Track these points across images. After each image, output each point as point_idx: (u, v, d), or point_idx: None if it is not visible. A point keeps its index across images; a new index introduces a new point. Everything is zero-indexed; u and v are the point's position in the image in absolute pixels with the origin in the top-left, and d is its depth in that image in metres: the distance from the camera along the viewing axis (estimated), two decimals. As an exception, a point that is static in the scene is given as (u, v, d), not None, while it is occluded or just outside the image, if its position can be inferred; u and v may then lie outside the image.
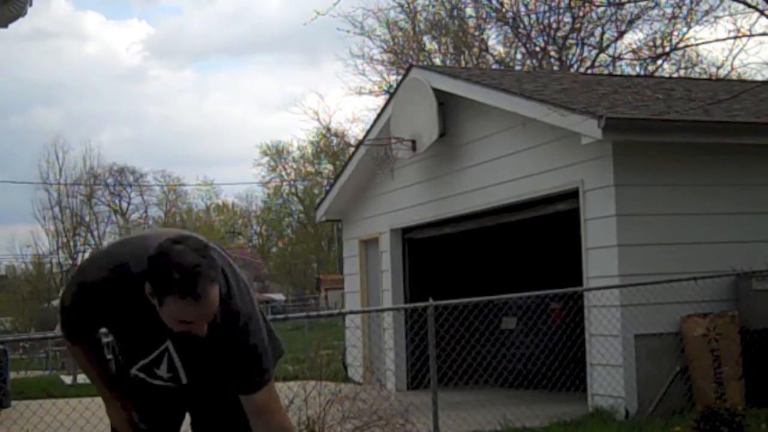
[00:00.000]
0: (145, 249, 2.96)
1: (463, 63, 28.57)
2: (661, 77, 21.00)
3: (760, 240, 9.47)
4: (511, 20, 27.91)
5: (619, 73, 23.92)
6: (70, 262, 47.65)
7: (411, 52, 29.63)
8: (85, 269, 3.18)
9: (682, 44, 25.63)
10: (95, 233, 52.50)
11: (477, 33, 29.65)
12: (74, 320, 3.20)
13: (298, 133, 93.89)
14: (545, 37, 27.97)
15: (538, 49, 28.11)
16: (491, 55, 29.94)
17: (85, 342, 3.30)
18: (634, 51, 26.84)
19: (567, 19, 27.33)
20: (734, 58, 40.23)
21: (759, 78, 23.18)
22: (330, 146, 46.53)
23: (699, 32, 28.14)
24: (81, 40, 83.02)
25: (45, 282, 51.64)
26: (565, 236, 10.71)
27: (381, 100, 28.68)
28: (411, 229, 13.23)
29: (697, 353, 8.95)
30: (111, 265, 3.05)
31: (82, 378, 16.69)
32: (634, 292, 9.01)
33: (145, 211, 55.48)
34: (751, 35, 17.85)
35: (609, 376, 9.17)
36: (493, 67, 28.10)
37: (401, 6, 28.70)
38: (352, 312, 13.31)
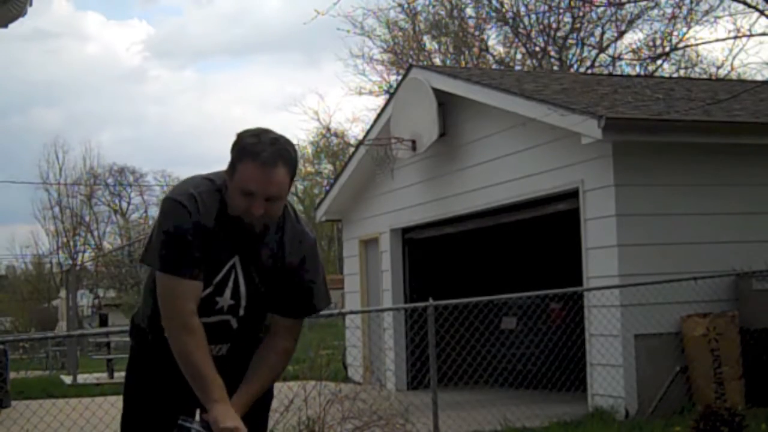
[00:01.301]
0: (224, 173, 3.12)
1: (463, 63, 28.57)
2: (661, 77, 21.01)
3: (760, 240, 9.47)
4: (511, 20, 27.92)
5: (619, 73, 23.91)
6: (70, 262, 47.59)
7: (411, 52, 29.63)
8: (176, 193, 3.11)
9: (682, 44, 25.66)
10: (95, 233, 52.50)
11: (477, 33, 29.66)
12: (187, 241, 3.03)
13: (298, 133, 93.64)
14: (545, 37, 27.97)
15: (538, 49, 28.11)
16: (491, 55, 29.95)
17: (199, 273, 3.08)
18: (634, 51, 26.86)
19: (567, 19, 27.34)
20: (734, 58, 40.33)
21: (759, 78, 23.18)
22: (330, 146, 46.52)
23: (699, 32, 28.16)
24: (81, 40, 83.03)
25: (45, 282, 51.65)
26: (565, 236, 10.71)
27: (381, 100, 28.69)
28: (411, 229, 13.23)
29: (697, 353, 8.95)
30: (197, 182, 3.13)
31: (82, 378, 16.70)
32: (634, 292, 9.01)
33: (145, 211, 55.41)
34: (751, 35, 17.87)
35: (609, 376, 9.17)
36: (493, 67, 28.11)
37: (401, 6, 28.70)
38: (352, 312, 13.30)
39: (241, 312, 3.21)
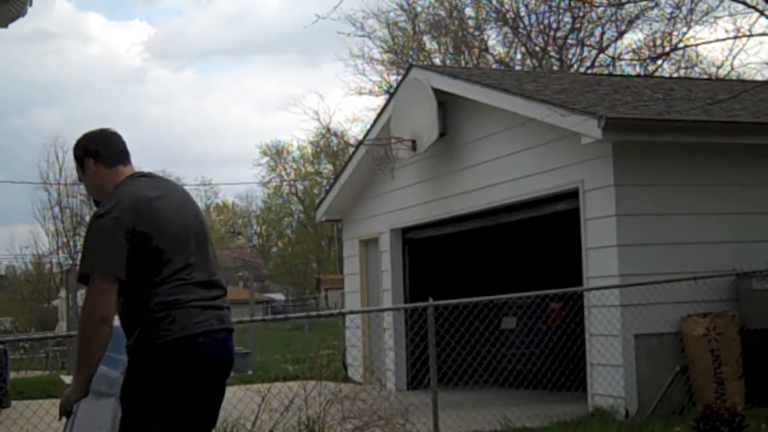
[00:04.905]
0: None
1: (463, 63, 28.56)
2: (661, 77, 21.01)
3: (760, 240, 9.47)
4: (511, 20, 27.92)
5: (619, 73, 23.91)
6: (71, 262, 47.55)
7: (411, 52, 29.63)
8: None
9: (682, 44, 25.64)
10: (95, 233, 52.38)
11: (477, 33, 29.66)
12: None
13: (298, 133, 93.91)
14: (545, 37, 27.97)
15: (538, 49, 28.11)
16: (491, 55, 29.94)
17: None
18: (634, 51, 26.87)
19: (567, 19, 27.35)
20: (734, 58, 40.26)
21: (759, 78, 23.18)
22: (330, 146, 46.53)
23: (699, 32, 28.19)
24: (82, 41, 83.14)
25: (45, 282, 51.64)
26: (565, 236, 10.71)
27: (381, 100, 28.70)
28: (411, 229, 13.23)
29: (697, 353, 8.95)
30: None
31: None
32: (634, 292, 9.01)
33: (145, 211, 55.24)
34: (751, 35, 17.88)
35: (609, 376, 9.17)
36: (493, 67, 28.10)
37: (401, 7, 28.73)
38: (352, 312, 13.31)
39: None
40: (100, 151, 3.87)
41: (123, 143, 3.96)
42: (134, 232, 3.63)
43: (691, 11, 24.77)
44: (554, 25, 27.63)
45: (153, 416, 3.63)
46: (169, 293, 3.66)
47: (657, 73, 25.63)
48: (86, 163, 3.88)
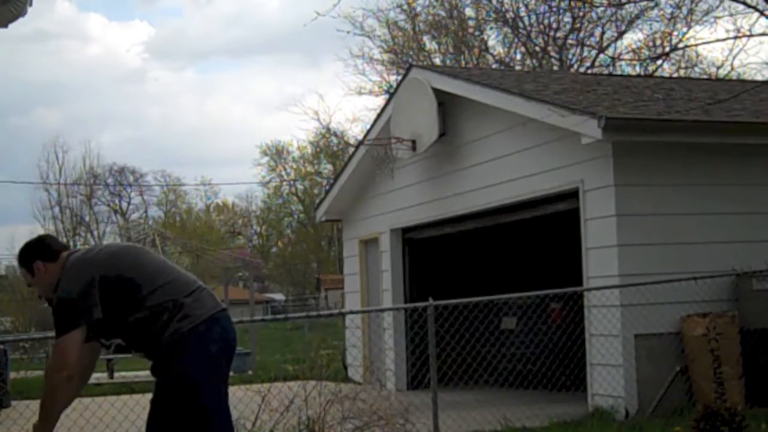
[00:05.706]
0: None
1: (463, 63, 28.57)
2: (661, 77, 21.01)
3: (760, 240, 9.46)
4: (511, 20, 27.92)
5: (619, 73, 23.92)
6: (70, 262, 47.49)
7: (411, 52, 29.63)
8: None
9: (682, 44, 25.66)
10: (95, 233, 52.54)
11: (477, 33, 29.66)
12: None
13: (298, 133, 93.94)
14: (545, 37, 27.98)
15: (538, 49, 28.11)
16: (491, 55, 29.96)
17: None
18: (634, 51, 26.88)
19: (567, 19, 27.36)
20: (734, 58, 40.35)
21: (759, 78, 23.21)
22: (330, 146, 46.55)
23: (699, 32, 28.18)
24: (82, 41, 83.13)
25: (45, 282, 51.54)
26: (565, 236, 10.71)
27: (381, 100, 28.70)
28: (411, 229, 13.23)
29: (697, 353, 8.95)
30: None
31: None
32: (634, 292, 9.01)
33: (145, 211, 55.49)
34: (751, 35, 17.90)
35: (609, 376, 9.17)
36: (493, 67, 28.10)
37: (401, 7, 28.70)
38: (352, 312, 13.31)
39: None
40: (46, 253, 4.43)
41: (58, 240, 4.67)
42: (103, 268, 4.19)
43: (691, 11, 24.83)
44: (554, 25, 27.65)
45: (201, 393, 4.10)
46: (185, 284, 4.23)
47: (657, 73, 25.64)
48: (35, 267, 4.42)
